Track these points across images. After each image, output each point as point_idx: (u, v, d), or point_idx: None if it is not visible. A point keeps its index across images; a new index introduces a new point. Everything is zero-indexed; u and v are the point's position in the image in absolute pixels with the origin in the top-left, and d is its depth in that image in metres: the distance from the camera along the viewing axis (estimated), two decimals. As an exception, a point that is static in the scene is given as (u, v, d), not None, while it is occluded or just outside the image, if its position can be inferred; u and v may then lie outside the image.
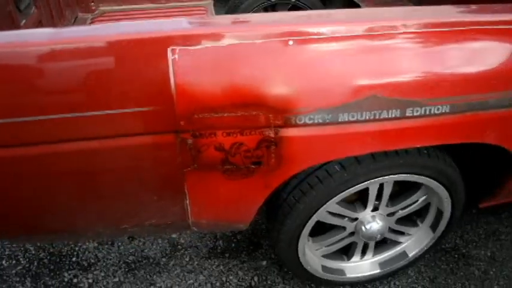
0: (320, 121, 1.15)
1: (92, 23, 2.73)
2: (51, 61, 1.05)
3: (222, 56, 1.08)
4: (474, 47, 1.23)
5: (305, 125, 1.15)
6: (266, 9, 3.22)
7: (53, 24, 2.31)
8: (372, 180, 1.41)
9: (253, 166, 1.23)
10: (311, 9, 3.18)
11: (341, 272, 1.81)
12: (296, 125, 1.15)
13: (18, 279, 1.96)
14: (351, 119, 1.17)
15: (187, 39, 1.06)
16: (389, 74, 1.18)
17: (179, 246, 2.08)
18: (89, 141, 1.14)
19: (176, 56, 1.05)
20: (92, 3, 2.81)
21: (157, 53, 1.05)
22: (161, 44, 1.05)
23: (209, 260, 2.02)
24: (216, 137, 1.16)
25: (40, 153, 1.14)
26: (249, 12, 3.11)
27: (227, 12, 3.27)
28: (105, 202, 1.32)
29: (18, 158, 1.15)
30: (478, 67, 1.23)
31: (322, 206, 1.43)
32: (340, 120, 1.16)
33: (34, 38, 1.05)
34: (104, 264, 2.01)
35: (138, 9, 2.90)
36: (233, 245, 2.09)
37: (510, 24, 1.22)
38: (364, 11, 1.50)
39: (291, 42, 1.11)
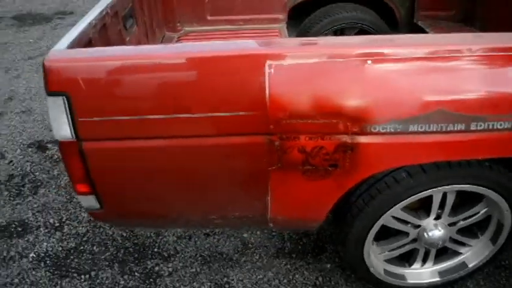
0: (392, 130, 1.32)
1: (177, 41, 3.04)
2: (172, 71, 1.29)
3: (310, 71, 1.28)
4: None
5: (378, 133, 1.32)
6: (335, 33, 3.39)
7: (147, 41, 2.62)
8: (436, 189, 1.55)
9: (330, 168, 1.41)
10: (378, 32, 3.31)
11: (402, 277, 1.93)
12: (370, 133, 1.32)
13: (107, 263, 2.23)
14: (419, 129, 1.33)
15: (282, 57, 1.27)
16: (455, 92, 1.33)
17: (250, 245, 2.28)
18: (194, 139, 1.37)
19: (272, 70, 1.26)
20: (178, 24, 3.12)
21: (257, 67, 1.27)
22: (260, 59, 1.27)
23: (277, 259, 2.20)
24: (300, 141, 1.35)
25: (153, 146, 1.38)
26: (319, 36, 3.30)
27: (298, 36, 3.47)
28: (199, 193, 1.54)
29: (134, 150, 1.39)
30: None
31: (388, 210, 1.59)
32: (410, 130, 1.32)
33: (166, 52, 1.31)
34: (182, 256, 2.25)
35: (218, 30, 3.18)
36: (299, 247, 2.26)
37: None
38: (431, 36, 1.65)
39: (369, 62, 1.29)
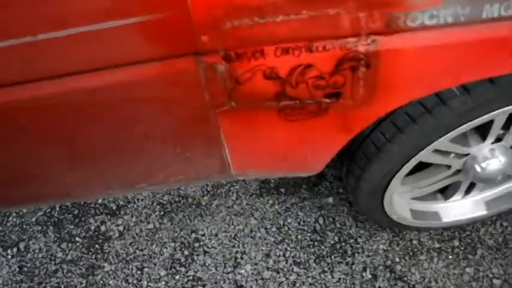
0: (450, 20, 0.64)
1: None
2: None
3: None
4: None
5: (423, 28, 0.64)
6: None
7: None
8: (504, 109, 0.91)
9: (327, 100, 0.75)
10: None
11: (435, 215, 1.38)
12: (407, 30, 0.65)
13: (39, 228, 1.66)
14: (503, 13, 0.65)
15: None
16: None
17: (223, 181, 1.69)
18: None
19: None
20: None
21: None
22: None
23: (261, 198, 1.62)
24: (265, 58, 0.68)
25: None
26: None
27: None
28: (113, 159, 0.91)
29: None
30: None
31: (428, 145, 0.96)
32: (484, 16, 0.64)
33: None
34: (135, 206, 1.67)
35: None
36: (289, 178, 1.67)
37: None
38: None
39: None
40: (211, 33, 0.64)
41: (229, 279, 1.45)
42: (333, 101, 0.75)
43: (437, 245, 1.44)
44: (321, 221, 1.55)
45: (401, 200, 1.28)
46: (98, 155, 0.87)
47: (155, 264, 1.51)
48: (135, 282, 1.49)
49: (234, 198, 1.64)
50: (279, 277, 1.44)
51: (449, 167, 1.17)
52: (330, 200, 1.59)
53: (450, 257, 1.42)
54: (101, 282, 1.51)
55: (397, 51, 0.67)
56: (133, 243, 1.57)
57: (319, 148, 0.89)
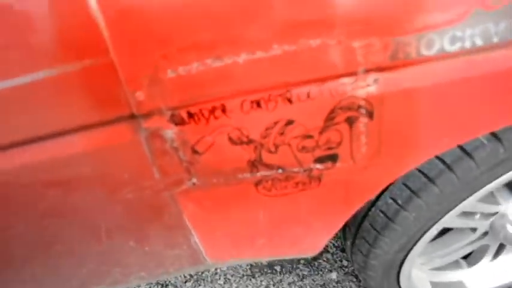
0: (479, 43, 0.46)
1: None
2: None
3: None
4: None
5: (442, 56, 0.46)
6: None
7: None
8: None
9: (318, 166, 0.56)
10: None
11: (459, 286, 1.15)
12: (421, 61, 0.46)
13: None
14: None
15: None
16: None
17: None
18: None
19: None
20: None
21: None
22: None
23: (253, 280, 1.39)
24: (229, 116, 0.49)
25: None
26: None
27: None
28: (39, 261, 0.69)
29: None
30: None
31: (452, 209, 0.76)
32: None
33: None
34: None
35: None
36: (284, 252, 1.45)
37: None
38: None
39: None
40: (148, 87, 0.45)
41: None
42: (327, 167, 0.55)
43: (466, 322, 1.20)
44: (325, 302, 1.31)
45: (419, 274, 1.06)
46: (15, 257, 0.66)
47: None
48: None
49: (222, 282, 1.40)
50: None
51: (474, 229, 0.96)
52: (334, 275, 1.36)
53: (484, 335, 1.18)
54: None
55: (409, 93, 0.48)
56: None
57: (314, 228, 0.68)
